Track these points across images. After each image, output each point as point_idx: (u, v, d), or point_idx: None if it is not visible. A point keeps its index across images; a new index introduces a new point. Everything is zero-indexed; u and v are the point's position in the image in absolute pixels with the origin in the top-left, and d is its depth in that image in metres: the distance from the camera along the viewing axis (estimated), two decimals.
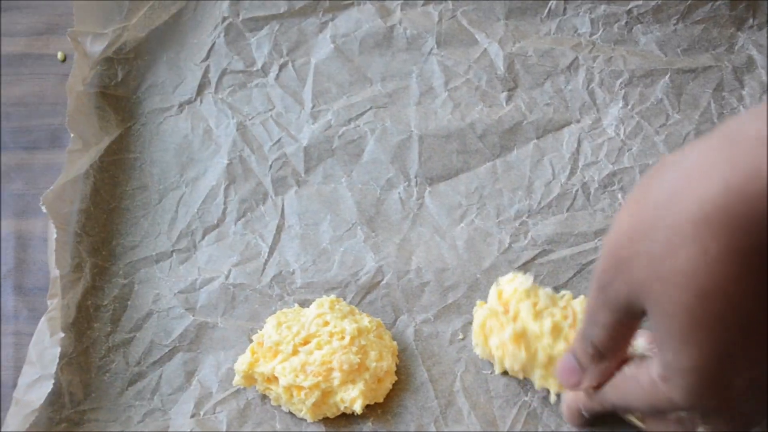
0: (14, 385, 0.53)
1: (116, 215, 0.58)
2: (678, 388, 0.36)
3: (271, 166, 0.59)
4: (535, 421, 0.52)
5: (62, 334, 0.51)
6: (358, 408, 0.50)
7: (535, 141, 0.59)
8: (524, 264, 0.55)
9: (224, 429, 0.52)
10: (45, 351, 0.51)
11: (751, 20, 0.61)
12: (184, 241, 0.57)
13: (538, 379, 0.50)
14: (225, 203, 0.58)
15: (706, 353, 0.34)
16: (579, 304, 0.51)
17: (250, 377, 0.51)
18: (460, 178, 0.58)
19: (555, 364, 0.49)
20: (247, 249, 0.57)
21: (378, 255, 0.56)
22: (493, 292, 0.52)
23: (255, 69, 0.61)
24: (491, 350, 0.51)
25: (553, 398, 0.51)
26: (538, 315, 0.50)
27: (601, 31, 0.61)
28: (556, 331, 0.49)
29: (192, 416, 0.53)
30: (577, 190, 0.57)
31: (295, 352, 0.51)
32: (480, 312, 0.51)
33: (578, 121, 0.59)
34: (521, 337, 0.49)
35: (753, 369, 0.34)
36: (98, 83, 0.61)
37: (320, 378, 0.50)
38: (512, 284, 0.51)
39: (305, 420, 0.52)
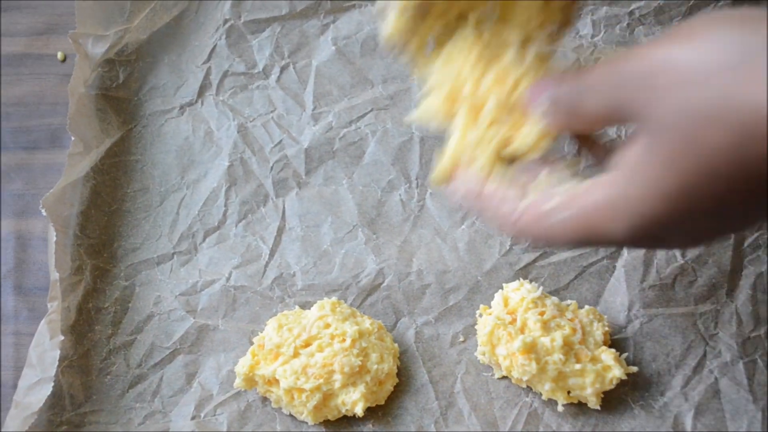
0: (14, 386, 0.53)
1: (117, 217, 0.58)
2: (623, 223, 0.35)
3: (272, 168, 0.59)
4: (536, 422, 0.52)
5: (62, 337, 0.51)
6: (359, 410, 0.50)
7: None
8: (525, 266, 0.56)
9: (225, 431, 0.52)
10: (45, 354, 0.51)
11: None
12: (185, 243, 0.57)
13: (545, 391, 0.50)
14: (226, 205, 0.58)
15: (676, 207, 0.33)
16: (585, 315, 0.52)
17: (250, 379, 0.51)
18: None
19: (565, 379, 0.50)
20: (248, 251, 0.57)
21: (379, 257, 0.56)
22: (498, 298, 0.52)
23: (256, 71, 0.61)
24: (498, 359, 0.51)
25: (560, 408, 0.51)
26: (546, 326, 0.50)
27: (602, 33, 0.61)
28: (567, 346, 0.50)
29: (192, 418, 0.53)
30: None
31: (296, 355, 0.51)
32: (487, 320, 0.51)
33: None
34: (531, 349, 0.49)
35: (685, 236, 0.35)
36: (99, 85, 0.60)
37: (321, 380, 0.50)
38: (519, 293, 0.52)
39: (306, 422, 0.52)
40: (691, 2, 0.61)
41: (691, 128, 0.32)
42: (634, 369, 0.51)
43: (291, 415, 0.52)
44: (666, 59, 0.33)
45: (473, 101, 0.41)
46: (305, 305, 0.55)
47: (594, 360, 0.50)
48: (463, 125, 0.42)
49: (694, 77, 0.31)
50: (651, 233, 0.35)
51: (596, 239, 0.37)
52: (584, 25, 0.61)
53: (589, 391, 0.50)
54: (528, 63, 0.41)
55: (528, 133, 0.40)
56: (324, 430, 0.52)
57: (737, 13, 0.32)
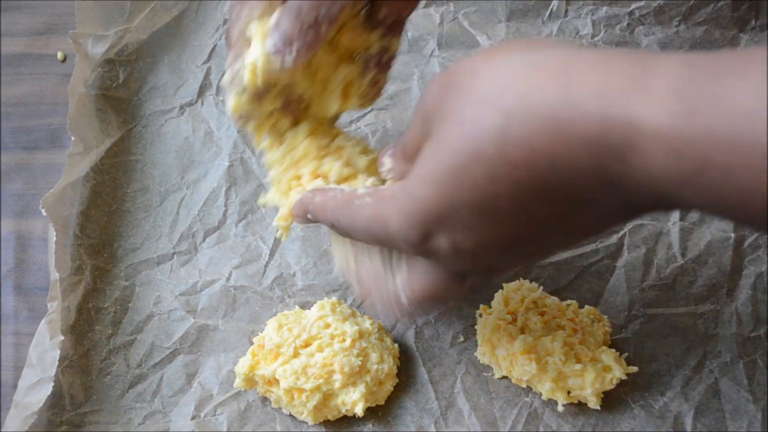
0: (14, 386, 0.53)
1: (117, 217, 0.58)
2: (400, 209, 0.36)
3: None
4: (536, 422, 0.52)
5: (62, 337, 0.51)
6: (359, 410, 0.50)
7: None
8: (525, 266, 0.55)
9: (225, 431, 0.52)
10: (45, 354, 0.51)
11: (753, 21, 0.61)
12: (185, 244, 0.57)
13: (546, 391, 0.50)
14: (226, 205, 0.58)
15: (441, 192, 0.34)
16: (586, 315, 0.52)
17: (250, 380, 0.51)
18: None
19: (565, 379, 0.50)
20: (248, 251, 0.57)
21: None
22: (498, 298, 0.52)
23: None
24: (498, 359, 0.51)
25: (560, 407, 0.51)
26: (546, 326, 0.50)
27: (602, 33, 0.61)
28: (567, 346, 0.50)
29: (192, 418, 0.53)
30: None
31: (296, 355, 0.51)
32: (487, 320, 0.51)
33: None
34: (531, 350, 0.49)
35: (462, 232, 0.35)
36: (99, 85, 0.60)
37: (321, 380, 0.50)
38: (519, 293, 0.52)
39: (306, 422, 0.52)
40: (691, 2, 0.61)
41: (468, 112, 0.33)
42: (634, 369, 0.51)
43: (291, 415, 0.52)
44: (465, 66, 0.34)
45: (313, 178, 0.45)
46: (305, 305, 0.55)
47: (594, 360, 0.50)
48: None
49: (484, 75, 0.33)
50: (426, 226, 0.35)
51: (384, 233, 0.37)
52: (584, 25, 0.61)
53: (589, 391, 0.50)
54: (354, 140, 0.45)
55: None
56: (324, 430, 0.52)
57: (533, 40, 0.36)
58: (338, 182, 0.44)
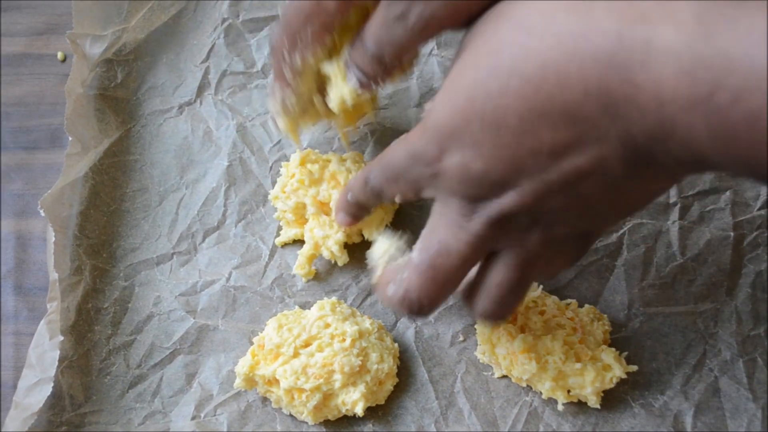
0: (14, 386, 0.53)
1: (116, 217, 0.58)
2: (423, 127, 0.38)
3: (271, 168, 0.59)
4: (536, 421, 0.52)
5: (61, 338, 0.51)
6: (359, 410, 0.50)
7: None
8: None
9: (225, 431, 0.52)
10: (44, 354, 0.51)
11: None
12: (184, 244, 0.57)
13: (546, 390, 0.50)
14: (225, 205, 0.58)
15: (458, 105, 0.35)
16: (585, 314, 0.52)
17: (250, 380, 0.51)
18: None
19: (565, 378, 0.50)
20: (247, 251, 0.57)
21: None
22: None
23: (255, 70, 0.61)
24: (498, 359, 0.51)
25: (560, 406, 0.51)
26: (546, 325, 0.50)
27: None
28: (567, 345, 0.50)
29: (192, 418, 0.53)
30: None
31: (296, 355, 0.51)
32: None
33: None
34: (531, 349, 0.49)
35: (472, 149, 0.36)
36: (98, 85, 0.60)
37: (321, 380, 0.50)
38: None
39: (306, 422, 0.52)
40: None
41: (495, 31, 0.35)
42: (634, 368, 0.51)
43: (291, 415, 0.52)
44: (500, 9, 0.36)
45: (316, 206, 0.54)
46: (305, 305, 0.55)
47: (594, 359, 0.50)
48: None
49: (515, 3, 0.35)
50: (443, 139, 0.37)
51: (410, 156, 0.40)
52: None
53: (589, 390, 0.50)
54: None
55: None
56: (324, 430, 0.52)
57: None
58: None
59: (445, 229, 0.40)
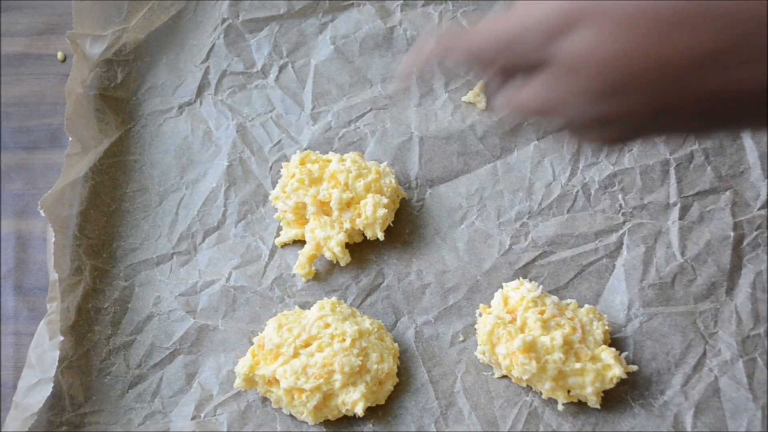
0: (14, 386, 0.53)
1: (116, 218, 0.58)
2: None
3: (271, 168, 0.59)
4: (536, 421, 0.52)
5: (61, 338, 0.51)
6: (359, 410, 0.50)
7: (536, 142, 0.59)
8: (525, 266, 0.55)
9: (225, 431, 0.52)
10: (44, 354, 0.51)
11: None
12: (184, 244, 0.57)
13: (546, 390, 0.50)
14: (225, 205, 0.58)
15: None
16: (585, 314, 0.52)
17: (250, 380, 0.51)
18: (460, 179, 0.58)
19: (565, 378, 0.50)
20: (247, 251, 0.57)
21: (379, 257, 0.56)
22: (498, 297, 0.52)
23: (255, 70, 0.61)
24: (498, 358, 0.51)
25: (560, 407, 0.51)
26: (546, 325, 0.50)
27: None
28: (567, 345, 0.50)
29: (192, 418, 0.53)
30: (577, 191, 0.57)
31: (296, 355, 0.51)
32: (487, 320, 0.51)
33: None
34: (531, 348, 0.49)
35: (601, 34, 0.33)
36: (98, 85, 0.60)
37: (321, 380, 0.50)
38: (518, 292, 0.52)
39: (306, 422, 0.52)
40: None
41: None
42: (634, 368, 0.51)
43: (291, 416, 0.52)
44: None
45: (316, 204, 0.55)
46: (305, 305, 0.55)
47: (594, 359, 0.50)
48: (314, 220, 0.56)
49: None
50: (573, 13, 0.34)
51: (521, 25, 0.37)
52: None
53: (589, 390, 0.50)
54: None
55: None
56: (324, 430, 0.52)
57: None
58: (340, 210, 0.54)
59: (550, 93, 0.37)
